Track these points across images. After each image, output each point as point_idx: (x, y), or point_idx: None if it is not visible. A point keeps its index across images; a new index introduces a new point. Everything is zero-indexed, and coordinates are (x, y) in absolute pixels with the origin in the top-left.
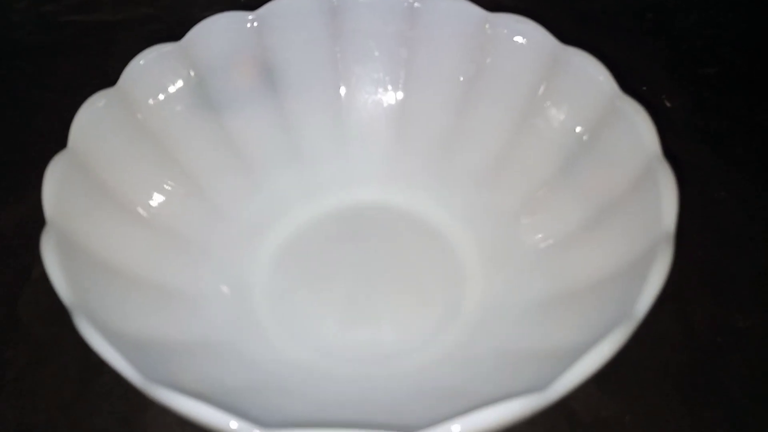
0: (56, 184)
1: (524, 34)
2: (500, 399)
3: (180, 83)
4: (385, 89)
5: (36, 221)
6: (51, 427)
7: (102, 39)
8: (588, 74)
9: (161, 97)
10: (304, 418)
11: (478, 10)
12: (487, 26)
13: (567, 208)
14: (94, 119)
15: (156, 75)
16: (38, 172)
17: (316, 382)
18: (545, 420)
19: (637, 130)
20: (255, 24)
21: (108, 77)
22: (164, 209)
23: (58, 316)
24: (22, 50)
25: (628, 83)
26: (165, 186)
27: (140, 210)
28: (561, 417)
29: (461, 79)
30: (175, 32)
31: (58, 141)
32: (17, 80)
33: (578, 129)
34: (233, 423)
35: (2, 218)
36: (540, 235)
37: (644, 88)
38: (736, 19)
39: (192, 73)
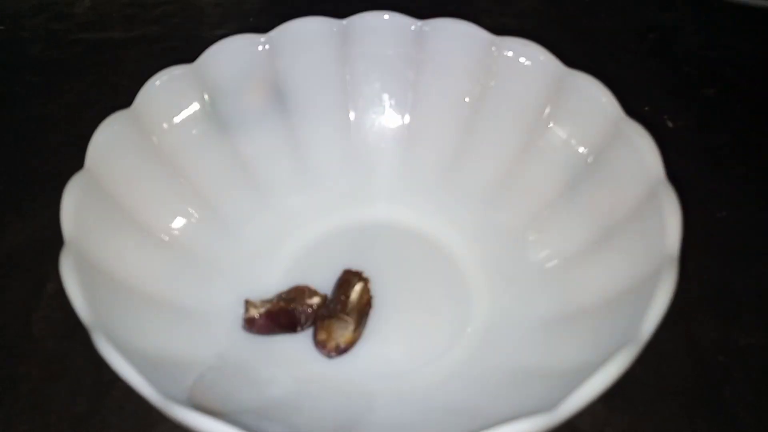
0: (74, 204)
1: (529, 57)
2: (507, 418)
3: (195, 107)
4: (393, 110)
5: (49, 236)
6: None
7: (112, 56)
8: (592, 97)
9: (176, 120)
10: None
11: (484, 34)
12: (493, 49)
13: (572, 228)
14: (110, 140)
15: (170, 98)
16: (50, 188)
17: (324, 399)
18: None
19: (641, 153)
20: (266, 47)
21: (118, 95)
22: (179, 229)
23: (71, 331)
24: (33, 67)
25: (631, 103)
26: (179, 207)
27: (156, 230)
28: None
29: (467, 100)
30: (184, 51)
31: (69, 158)
32: (28, 96)
33: (583, 150)
34: None
35: (16, 233)
36: (546, 254)
37: (646, 108)
38: (738, 40)
39: (206, 97)
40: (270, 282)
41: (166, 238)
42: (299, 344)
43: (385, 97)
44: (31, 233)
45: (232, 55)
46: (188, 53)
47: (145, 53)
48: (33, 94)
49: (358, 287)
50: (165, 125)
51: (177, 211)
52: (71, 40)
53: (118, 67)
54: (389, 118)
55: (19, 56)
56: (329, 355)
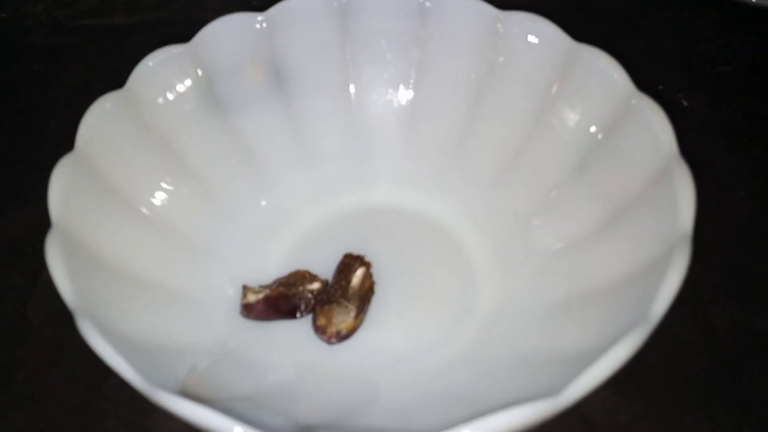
0: (63, 186)
1: (537, 33)
2: (512, 404)
3: (189, 83)
4: (396, 90)
5: (47, 224)
6: (58, 430)
7: (115, 42)
8: (602, 72)
9: (170, 96)
10: (313, 422)
11: (490, 9)
12: (499, 25)
13: (581, 209)
14: (101, 121)
15: (165, 75)
16: (49, 175)
17: (326, 386)
18: (559, 424)
19: (653, 129)
20: (264, 25)
21: (120, 80)
22: (172, 210)
23: (67, 319)
24: (35, 54)
25: (644, 82)
26: (172, 187)
27: (147, 211)
28: (576, 421)
29: (473, 78)
30: (187, 35)
31: (71, 144)
32: (31, 83)
33: (593, 128)
34: (237, 429)
35: (14, 220)
36: (553, 237)
37: (660, 86)
38: (756, 15)
39: (200, 73)
40: (269, 267)
41: (161, 221)
42: (299, 331)
43: (388, 75)
44: (30, 220)
45: (229, 33)
46: (191, 38)
47: (147, 39)
48: (34, 81)
49: (359, 272)
50: (159, 102)
51: (170, 193)
52: (73, 27)
53: (120, 52)
54: (392, 97)
55: (21, 43)
56: (329, 342)
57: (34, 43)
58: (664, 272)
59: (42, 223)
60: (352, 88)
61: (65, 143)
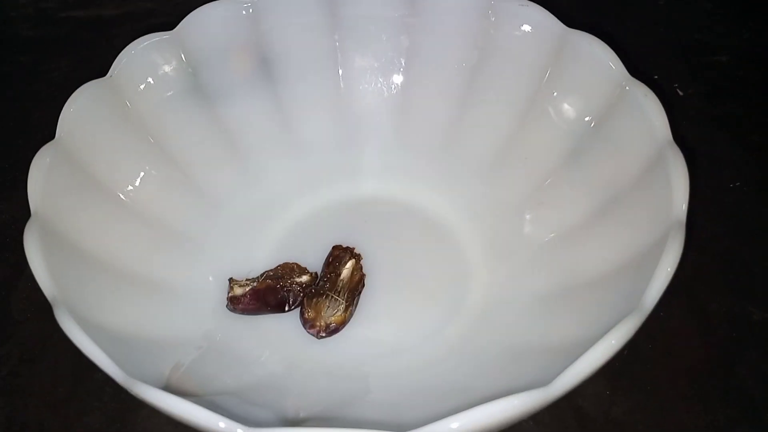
0: (42, 176)
1: (529, 19)
2: (503, 395)
3: (171, 68)
4: (386, 78)
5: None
6: (41, 425)
7: (103, 34)
8: (595, 57)
9: (151, 81)
10: (302, 416)
11: None
12: (490, 11)
13: (574, 198)
14: (82, 109)
15: (147, 62)
16: None
17: (315, 380)
18: (554, 419)
19: (647, 114)
20: (250, 11)
21: (107, 72)
22: (155, 200)
23: (51, 313)
24: (22, 45)
25: (640, 71)
26: (155, 176)
27: (129, 201)
28: (570, 416)
29: (464, 66)
30: (176, 26)
31: (53, 137)
32: (17, 75)
33: (585, 114)
34: (222, 424)
35: None
36: (546, 227)
37: (656, 76)
38: (749, 5)
39: (185, 60)
40: (256, 259)
41: (143, 211)
42: (288, 324)
43: (377, 63)
44: (14, 213)
45: (214, 20)
46: None
47: (136, 30)
48: (20, 73)
49: (349, 264)
50: (141, 88)
51: (155, 183)
52: (60, 18)
53: (107, 44)
54: (381, 85)
55: (7, 35)
56: (318, 336)
57: (21, 34)
58: (657, 260)
59: (25, 216)
60: (340, 76)
61: (50, 135)
